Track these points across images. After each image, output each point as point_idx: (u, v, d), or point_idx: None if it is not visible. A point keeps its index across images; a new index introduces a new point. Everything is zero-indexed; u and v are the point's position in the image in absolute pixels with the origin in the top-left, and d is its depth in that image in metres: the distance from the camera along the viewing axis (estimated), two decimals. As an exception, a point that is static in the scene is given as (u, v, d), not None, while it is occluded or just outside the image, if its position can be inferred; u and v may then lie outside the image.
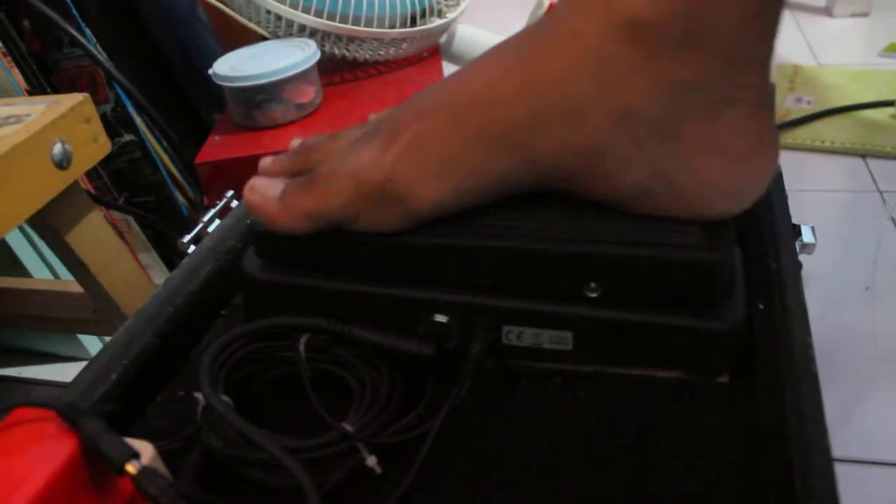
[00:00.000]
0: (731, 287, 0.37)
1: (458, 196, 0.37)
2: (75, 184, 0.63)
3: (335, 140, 0.42)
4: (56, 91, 0.90)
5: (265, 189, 0.40)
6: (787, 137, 0.90)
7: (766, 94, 0.36)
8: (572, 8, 0.35)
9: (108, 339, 0.42)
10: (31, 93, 0.88)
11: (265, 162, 0.44)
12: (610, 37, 0.33)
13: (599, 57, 0.33)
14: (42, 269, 0.93)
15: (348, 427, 0.33)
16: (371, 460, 0.33)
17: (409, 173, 0.37)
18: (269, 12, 0.85)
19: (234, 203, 0.57)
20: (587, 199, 0.38)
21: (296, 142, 0.45)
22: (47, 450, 0.27)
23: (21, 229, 0.89)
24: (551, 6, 1.10)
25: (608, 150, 0.35)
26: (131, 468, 0.27)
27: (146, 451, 0.29)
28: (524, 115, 0.35)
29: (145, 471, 0.27)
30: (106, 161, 0.73)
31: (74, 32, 0.81)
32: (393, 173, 0.37)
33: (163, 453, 0.30)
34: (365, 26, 0.87)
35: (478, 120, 0.36)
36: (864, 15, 1.29)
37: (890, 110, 0.93)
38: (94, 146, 0.64)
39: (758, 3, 0.32)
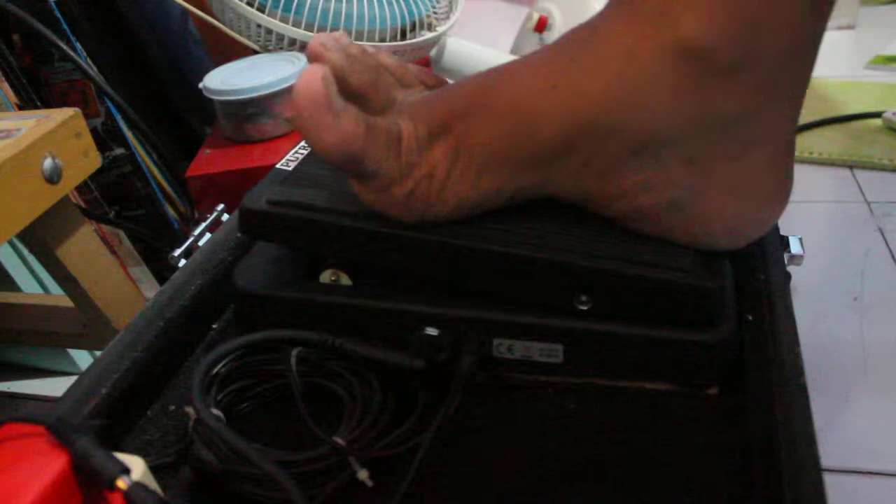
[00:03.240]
0: (721, 311, 0.37)
1: (478, 202, 0.37)
2: (66, 198, 0.63)
3: (391, 85, 0.39)
4: (47, 105, 0.91)
5: (332, 91, 0.33)
6: (776, 149, 0.90)
7: (792, 137, 0.36)
8: (623, 25, 0.33)
9: (98, 353, 0.42)
10: (21, 107, 0.88)
11: (327, 44, 0.38)
12: (658, 62, 0.32)
13: (644, 81, 0.33)
14: (32, 284, 0.92)
15: (339, 440, 0.33)
16: (362, 474, 0.33)
17: (447, 174, 0.36)
18: (259, 26, 0.85)
19: (225, 216, 0.57)
20: (592, 212, 0.38)
21: (343, 36, 0.40)
22: (37, 465, 0.27)
23: (11, 244, 0.89)
24: (542, 20, 1.10)
25: (630, 173, 0.35)
26: (122, 483, 0.27)
27: (137, 466, 0.28)
28: (559, 133, 0.35)
29: (136, 486, 0.27)
30: (97, 175, 0.74)
31: (65, 47, 0.81)
32: (435, 170, 0.36)
33: (154, 468, 0.30)
34: (355, 40, 0.87)
35: (515, 133, 0.35)
36: (851, 28, 1.30)
37: (877, 121, 0.94)
38: (85, 161, 0.64)
39: (801, 31, 0.32)
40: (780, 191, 0.37)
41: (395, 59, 0.41)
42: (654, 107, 0.33)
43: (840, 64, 1.16)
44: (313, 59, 0.38)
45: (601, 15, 0.35)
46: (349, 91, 0.38)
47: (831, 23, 1.39)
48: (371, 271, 0.41)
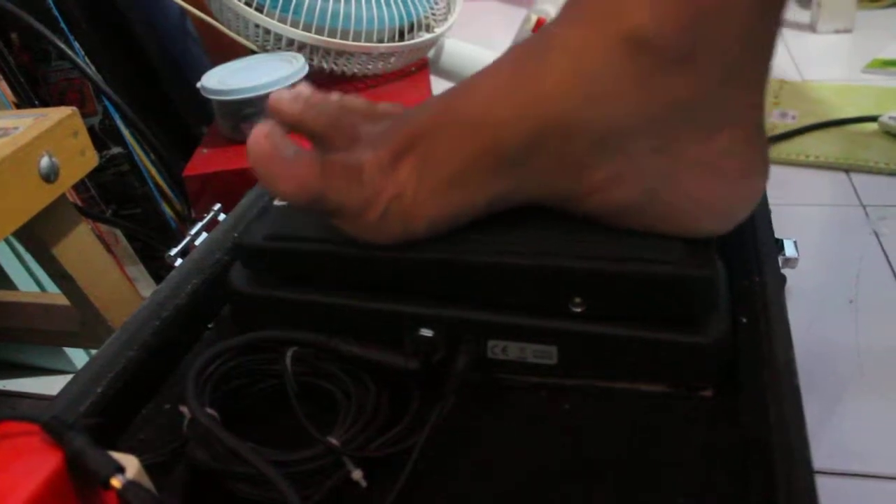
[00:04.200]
0: (715, 302, 0.37)
1: (453, 215, 0.38)
2: (62, 197, 0.63)
3: (357, 123, 0.40)
4: (44, 103, 0.90)
5: (281, 143, 0.37)
6: (772, 152, 0.91)
7: (759, 116, 0.36)
8: (575, 23, 0.34)
9: (94, 352, 0.42)
10: (18, 105, 0.88)
11: (283, 98, 0.40)
12: (611, 52, 0.33)
13: (598, 75, 0.33)
14: (28, 282, 0.92)
15: (334, 441, 0.33)
16: (357, 474, 0.33)
17: (415, 192, 0.37)
18: (257, 26, 0.85)
19: (222, 216, 0.57)
20: (574, 214, 0.38)
21: (305, 88, 0.42)
22: (32, 464, 0.27)
23: (7, 242, 0.89)
24: (539, 22, 1.10)
25: (600, 166, 0.35)
26: (116, 482, 0.27)
27: (131, 464, 0.28)
28: (523, 137, 0.35)
29: (130, 485, 0.27)
30: (94, 174, 0.73)
31: (62, 45, 0.81)
32: (402, 190, 0.37)
33: (148, 467, 0.30)
34: (353, 41, 0.87)
35: (480, 143, 0.36)
36: (848, 31, 1.30)
37: (873, 125, 0.94)
38: (82, 160, 0.64)
39: (757, 20, 0.32)
40: (758, 166, 0.37)
41: (363, 99, 0.43)
42: (611, 100, 0.34)
43: (837, 67, 1.17)
44: (272, 112, 0.41)
45: (555, 20, 0.36)
46: (310, 134, 0.40)
47: (828, 26, 1.40)
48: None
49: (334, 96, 0.42)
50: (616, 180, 0.36)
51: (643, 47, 0.32)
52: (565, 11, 0.35)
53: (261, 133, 0.37)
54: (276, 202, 0.45)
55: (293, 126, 0.41)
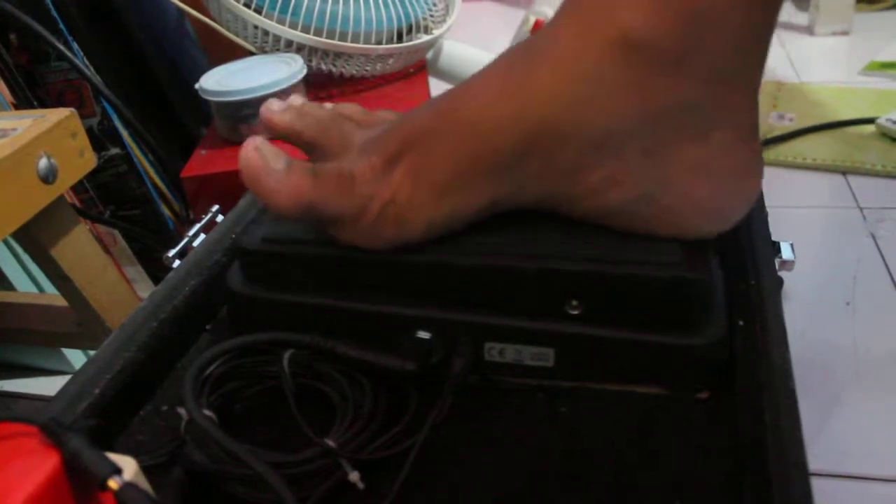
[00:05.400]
0: (711, 305, 0.37)
1: (449, 218, 0.38)
2: (61, 198, 0.63)
3: (351, 131, 0.41)
4: (42, 104, 0.90)
5: (270, 156, 0.37)
6: (770, 154, 0.91)
7: (753, 117, 0.36)
8: (570, 25, 0.34)
9: (92, 352, 0.42)
10: (17, 106, 0.88)
11: (273, 108, 0.41)
12: (604, 56, 0.33)
13: (592, 78, 0.33)
14: (26, 283, 0.92)
15: (331, 443, 0.34)
16: (354, 476, 0.33)
17: (410, 196, 0.37)
18: (256, 27, 0.86)
19: (220, 217, 0.58)
20: (570, 216, 0.38)
21: (297, 98, 0.43)
22: (29, 465, 0.27)
23: (5, 243, 0.89)
24: (537, 23, 1.10)
25: (594, 169, 0.35)
26: (113, 484, 0.27)
27: (129, 466, 0.29)
28: (517, 141, 0.35)
29: (127, 486, 0.27)
30: (92, 174, 0.74)
31: (61, 46, 0.81)
32: (396, 194, 0.37)
33: (145, 468, 0.30)
34: (352, 42, 0.87)
35: (474, 146, 0.36)
36: (845, 33, 1.30)
37: (871, 127, 0.94)
38: (80, 161, 0.64)
39: (749, 23, 0.32)
40: (752, 166, 0.37)
41: (357, 106, 0.44)
42: (604, 103, 0.34)
43: (834, 70, 1.17)
44: (265, 123, 0.41)
45: (551, 21, 0.36)
46: (303, 143, 0.41)
47: (826, 28, 1.41)
48: None
49: (327, 105, 0.42)
50: (611, 182, 0.36)
51: (636, 50, 0.32)
52: (559, 15, 0.35)
53: (250, 147, 0.37)
54: None
55: (285, 136, 0.41)
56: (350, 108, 0.44)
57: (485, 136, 0.36)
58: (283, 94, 0.79)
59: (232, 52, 0.89)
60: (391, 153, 0.37)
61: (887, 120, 0.92)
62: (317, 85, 0.92)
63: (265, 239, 0.42)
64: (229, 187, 0.76)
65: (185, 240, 0.53)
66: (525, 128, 0.35)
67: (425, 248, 0.38)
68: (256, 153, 0.37)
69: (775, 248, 0.48)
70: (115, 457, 0.28)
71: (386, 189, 0.37)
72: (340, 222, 0.38)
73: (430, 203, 0.37)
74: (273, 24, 0.84)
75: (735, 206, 0.38)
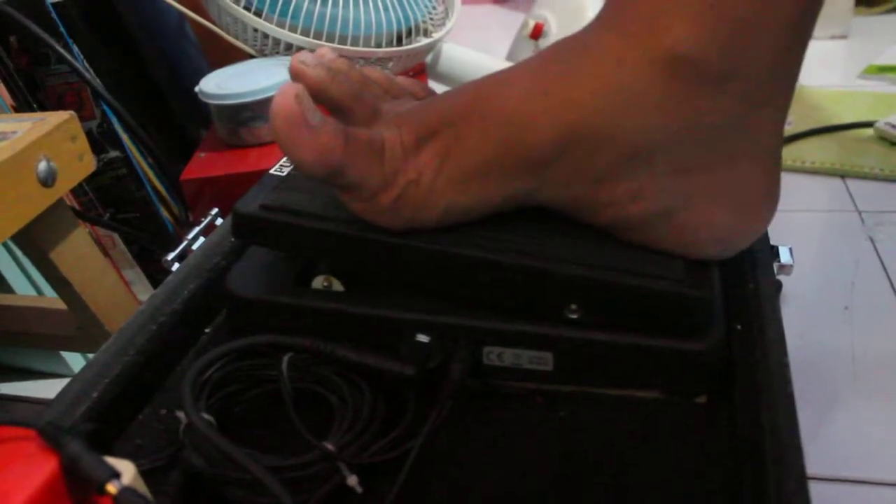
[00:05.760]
0: (711, 320, 0.37)
1: (467, 208, 0.37)
2: (60, 201, 0.63)
3: (378, 97, 0.40)
4: (42, 107, 0.91)
5: (308, 108, 0.34)
6: (769, 157, 0.91)
7: (779, 145, 0.36)
8: (613, 34, 0.34)
9: (91, 356, 0.42)
10: (16, 109, 0.88)
11: (308, 62, 0.39)
12: (648, 70, 0.33)
13: (634, 89, 0.33)
14: (26, 286, 0.92)
15: (330, 446, 0.34)
16: (352, 480, 0.33)
17: (434, 179, 0.36)
18: (256, 30, 0.86)
19: (219, 221, 0.58)
20: (583, 222, 0.38)
21: (327, 52, 0.41)
22: (27, 469, 0.27)
23: (5, 246, 0.89)
24: (537, 27, 1.11)
25: (622, 180, 0.35)
26: (112, 488, 0.27)
27: (127, 470, 0.29)
28: (551, 140, 0.35)
29: (126, 491, 0.27)
30: (91, 177, 0.73)
31: (61, 49, 0.81)
32: (421, 175, 0.36)
33: (144, 472, 0.30)
34: (351, 45, 0.87)
35: (506, 139, 0.35)
36: (843, 37, 1.30)
37: (869, 131, 0.95)
38: (80, 164, 0.64)
39: (789, 40, 0.32)
40: (769, 199, 0.37)
41: (383, 72, 0.42)
42: (644, 116, 0.33)
43: (833, 73, 1.17)
44: (294, 75, 0.39)
45: (592, 25, 0.35)
46: (331, 104, 0.39)
47: (824, 32, 1.41)
48: (363, 278, 0.42)
49: (355, 66, 0.41)
50: (635, 196, 0.36)
51: (681, 65, 0.32)
52: (604, 19, 0.35)
53: (290, 93, 0.33)
54: (271, 171, 0.45)
55: (314, 93, 0.39)
56: (375, 72, 0.42)
57: (519, 130, 0.35)
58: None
59: (232, 55, 0.90)
60: (422, 132, 0.36)
61: (886, 124, 0.92)
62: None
63: (264, 206, 0.41)
64: (229, 190, 0.76)
65: (185, 243, 0.53)
66: (561, 129, 0.34)
67: (431, 234, 0.38)
68: (296, 101, 0.33)
69: (774, 252, 0.48)
70: (113, 461, 0.28)
71: (412, 168, 0.36)
72: (360, 192, 0.36)
73: (452, 189, 0.37)
74: (273, 27, 0.85)
75: (745, 237, 0.38)
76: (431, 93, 0.44)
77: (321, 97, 0.40)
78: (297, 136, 0.34)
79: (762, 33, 0.31)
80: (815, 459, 0.48)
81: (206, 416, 0.35)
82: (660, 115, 0.33)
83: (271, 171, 0.45)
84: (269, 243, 0.42)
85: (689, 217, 0.36)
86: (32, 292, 0.93)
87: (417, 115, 0.37)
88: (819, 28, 1.42)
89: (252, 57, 0.89)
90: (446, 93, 0.39)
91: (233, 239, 0.51)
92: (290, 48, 0.86)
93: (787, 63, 0.34)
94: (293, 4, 0.84)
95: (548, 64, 0.36)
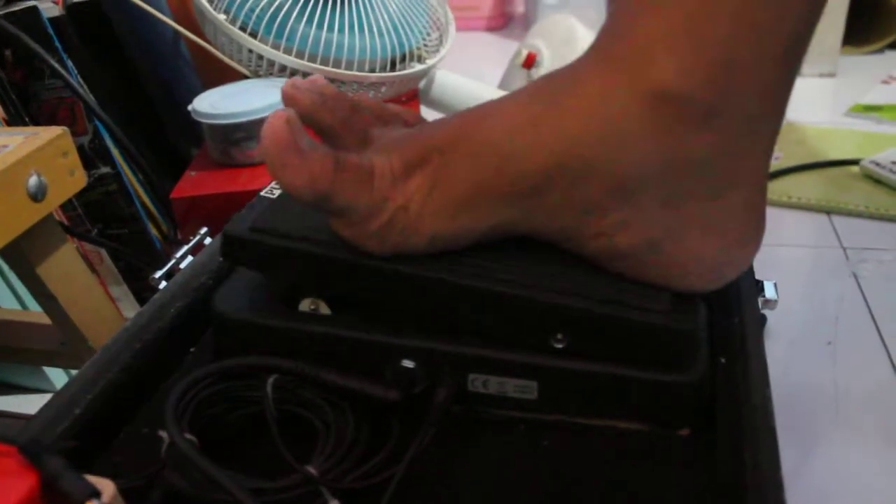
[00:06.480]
0: (695, 353, 0.38)
1: (455, 236, 0.38)
2: (49, 216, 0.63)
3: (369, 124, 0.40)
4: (35, 121, 0.90)
5: (298, 133, 0.34)
6: (756, 192, 0.92)
7: (765, 179, 0.37)
8: (602, 69, 0.34)
9: (74, 372, 0.42)
10: (9, 122, 0.88)
11: (301, 86, 0.40)
12: (635, 104, 0.33)
13: (621, 122, 0.33)
14: (10, 300, 0.92)
15: (312, 470, 0.33)
16: (334, 504, 0.33)
17: (422, 207, 0.37)
18: (251, 51, 0.86)
19: (208, 240, 0.58)
20: (571, 252, 0.38)
21: (320, 78, 0.42)
22: (6, 486, 0.27)
23: (-9, 259, 0.89)
24: (530, 56, 1.12)
25: (610, 211, 0.36)
26: (91, 507, 0.27)
27: (107, 489, 0.28)
28: (540, 171, 0.35)
29: (105, 510, 0.27)
30: (81, 192, 0.73)
31: (55, 64, 0.81)
32: (410, 202, 0.36)
33: (124, 491, 0.30)
34: (345, 69, 0.88)
35: (494, 169, 0.36)
36: (831, 75, 1.32)
37: (855, 169, 0.96)
38: (70, 180, 0.64)
39: (776, 77, 0.33)
40: (755, 232, 0.38)
41: (374, 99, 0.43)
42: (631, 149, 0.34)
43: (820, 111, 1.18)
44: (286, 100, 0.40)
45: (582, 58, 0.36)
46: (322, 129, 0.40)
47: (812, 70, 1.43)
48: (350, 302, 0.42)
49: (346, 93, 0.41)
50: (622, 227, 0.36)
51: (669, 101, 0.32)
52: (594, 52, 0.35)
53: (281, 117, 0.34)
54: (262, 193, 0.45)
55: (305, 118, 0.40)
56: (367, 99, 0.43)
57: (507, 160, 0.36)
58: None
59: (226, 75, 0.90)
60: (412, 159, 0.37)
61: (871, 162, 0.93)
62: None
63: (254, 228, 0.41)
64: (219, 210, 0.76)
65: (173, 261, 0.53)
66: (550, 160, 0.35)
67: (419, 260, 0.38)
68: (287, 126, 0.34)
69: (759, 286, 0.49)
70: (93, 479, 0.28)
71: (400, 195, 0.36)
72: (349, 217, 0.37)
73: (440, 217, 0.37)
74: (267, 48, 0.85)
75: (730, 270, 0.38)
76: (422, 120, 0.44)
77: (312, 122, 0.40)
78: (286, 160, 0.34)
79: (749, 71, 0.32)
80: (797, 496, 0.48)
81: (188, 436, 0.35)
82: (647, 149, 0.34)
83: (262, 193, 0.45)
84: (258, 266, 0.42)
85: (675, 249, 0.36)
86: (16, 306, 0.93)
87: (407, 143, 0.38)
88: (807, 65, 1.44)
89: (246, 77, 0.89)
90: (436, 121, 0.39)
91: (220, 259, 0.50)
92: (283, 70, 0.87)
93: (774, 100, 0.34)
94: (288, 27, 0.85)
95: (537, 96, 0.37)
